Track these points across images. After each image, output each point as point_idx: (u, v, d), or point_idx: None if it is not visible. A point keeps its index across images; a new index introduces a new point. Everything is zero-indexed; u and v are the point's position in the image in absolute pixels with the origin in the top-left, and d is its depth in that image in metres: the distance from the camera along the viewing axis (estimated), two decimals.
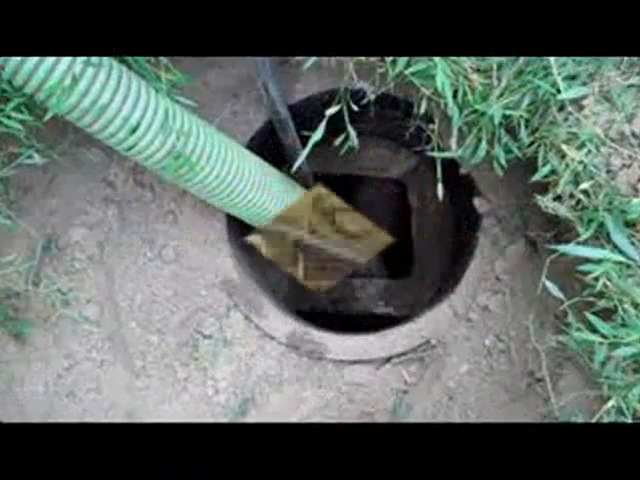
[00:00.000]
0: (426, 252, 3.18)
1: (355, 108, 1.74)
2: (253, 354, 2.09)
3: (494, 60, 1.55)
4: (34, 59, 1.20)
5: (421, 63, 1.55)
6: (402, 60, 1.58)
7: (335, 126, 1.75)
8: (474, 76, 1.56)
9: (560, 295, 1.56)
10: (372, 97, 1.78)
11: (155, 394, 2.03)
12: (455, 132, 1.70)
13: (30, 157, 1.64)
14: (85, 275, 2.03)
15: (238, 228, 2.33)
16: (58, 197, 2.04)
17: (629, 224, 1.48)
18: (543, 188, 1.65)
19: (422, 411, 2.01)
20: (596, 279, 1.48)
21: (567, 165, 1.53)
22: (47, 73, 1.23)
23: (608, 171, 1.49)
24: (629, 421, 1.47)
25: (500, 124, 1.62)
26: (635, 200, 1.45)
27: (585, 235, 1.53)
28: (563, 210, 1.57)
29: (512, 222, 2.10)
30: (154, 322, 2.07)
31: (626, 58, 1.53)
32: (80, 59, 1.26)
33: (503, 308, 2.04)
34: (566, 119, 1.53)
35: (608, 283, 1.47)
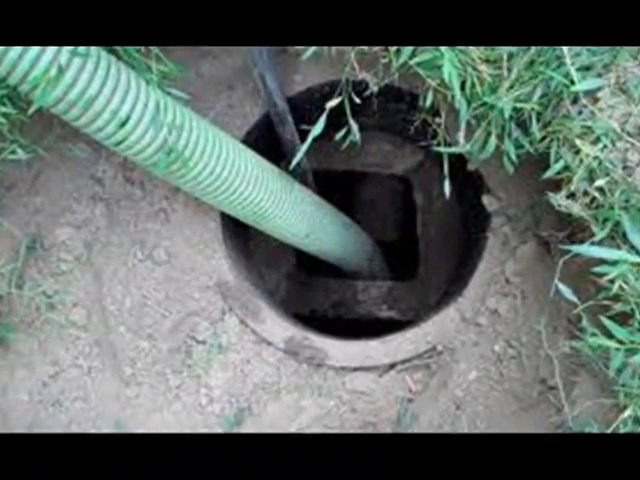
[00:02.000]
0: (432, 253, 3.19)
1: (357, 100, 1.74)
2: (249, 361, 2.09)
3: (504, 50, 1.55)
4: (18, 48, 1.20)
5: (427, 53, 1.55)
6: (407, 50, 1.58)
7: (336, 120, 1.75)
8: (483, 67, 1.56)
9: (574, 298, 1.56)
10: (375, 89, 1.78)
11: (146, 403, 2.02)
12: (463, 126, 1.70)
13: (13, 152, 1.63)
14: (72, 277, 2.03)
15: (233, 228, 2.33)
16: (43, 195, 2.04)
17: None
18: (556, 185, 1.65)
19: (428, 421, 2.01)
20: (612, 281, 1.48)
21: (581, 161, 1.53)
22: (31, 63, 1.22)
23: (625, 167, 1.49)
24: None
25: (510, 117, 1.62)
26: None
27: (600, 235, 1.53)
28: (577, 208, 1.57)
29: (523, 221, 2.10)
30: (144, 327, 2.06)
31: None
32: (67, 48, 1.26)
33: (513, 312, 2.04)
34: (580, 112, 1.53)
35: (624, 285, 1.47)
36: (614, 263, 1.47)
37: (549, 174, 1.62)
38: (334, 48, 1.78)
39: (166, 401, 2.03)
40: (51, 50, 1.23)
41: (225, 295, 2.12)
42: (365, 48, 1.66)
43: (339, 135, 1.82)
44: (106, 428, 1.98)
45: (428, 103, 1.71)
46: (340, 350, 2.12)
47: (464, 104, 1.62)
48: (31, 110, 1.36)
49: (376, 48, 1.67)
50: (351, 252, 2.82)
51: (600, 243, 1.53)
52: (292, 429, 2.03)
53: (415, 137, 2.26)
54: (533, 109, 1.59)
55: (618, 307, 1.52)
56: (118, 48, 1.46)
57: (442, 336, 2.09)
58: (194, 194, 1.82)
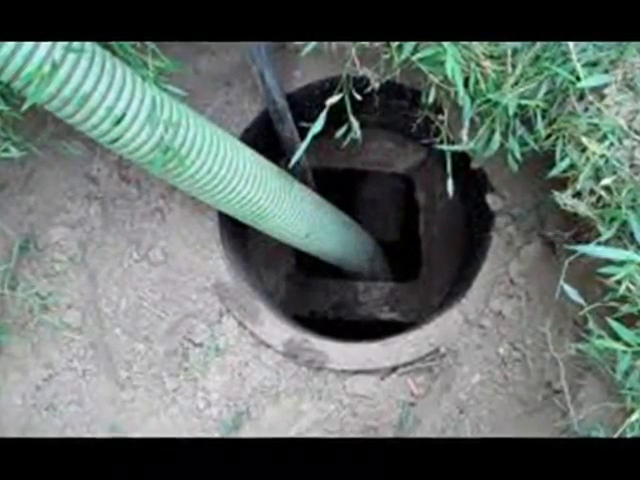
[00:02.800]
0: (434, 253, 3.18)
1: (358, 97, 1.74)
2: (247, 363, 2.09)
3: (508, 45, 1.55)
4: (11, 44, 1.20)
5: (429, 49, 1.55)
6: (409, 45, 1.58)
7: (336, 117, 1.75)
8: (487, 63, 1.56)
9: (580, 300, 1.56)
10: (376, 85, 1.78)
11: (141, 407, 2.02)
12: (466, 123, 1.69)
13: (6, 150, 1.63)
14: (66, 278, 2.03)
15: (231, 227, 2.33)
16: (37, 194, 2.04)
17: None
18: (561, 184, 1.65)
19: (431, 425, 2.01)
20: (618, 282, 1.48)
21: (587, 159, 1.52)
22: (25, 59, 1.22)
23: (632, 165, 1.49)
24: None
25: (515, 114, 1.62)
26: None
27: (607, 235, 1.53)
28: (583, 208, 1.57)
29: (528, 221, 2.10)
30: (140, 329, 2.06)
31: None
32: (61, 44, 1.25)
33: (518, 314, 2.04)
34: (586, 109, 1.53)
35: (631, 286, 1.47)
36: (621, 264, 1.47)
37: (554, 172, 1.62)
38: (334, 44, 1.78)
39: (162, 405, 2.03)
40: (45, 46, 1.23)
41: (223, 296, 2.12)
42: (366, 44, 1.66)
43: (339, 133, 1.82)
44: (101, 432, 1.98)
45: (431, 100, 1.71)
46: (341, 353, 2.11)
47: (467, 101, 1.62)
48: (24, 107, 1.36)
49: (377, 44, 1.67)
50: (352, 252, 2.82)
51: (606, 243, 1.53)
52: (291, 433, 2.03)
53: (417, 135, 2.26)
54: (538, 106, 1.58)
55: (625, 309, 1.52)
56: (113, 44, 1.46)
57: (445, 338, 2.09)
58: (191, 193, 1.82)
